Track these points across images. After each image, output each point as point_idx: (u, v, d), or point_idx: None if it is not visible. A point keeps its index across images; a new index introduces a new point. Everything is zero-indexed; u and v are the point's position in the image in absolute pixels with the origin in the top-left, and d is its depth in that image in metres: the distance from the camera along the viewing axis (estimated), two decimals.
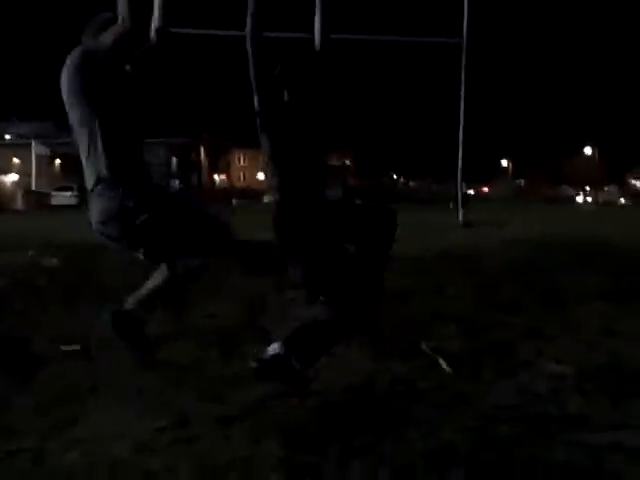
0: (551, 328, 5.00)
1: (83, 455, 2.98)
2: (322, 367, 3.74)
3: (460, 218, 14.29)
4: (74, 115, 3.28)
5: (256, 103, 3.41)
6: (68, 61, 3.26)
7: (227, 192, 57.68)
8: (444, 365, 4.21)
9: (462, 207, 14.46)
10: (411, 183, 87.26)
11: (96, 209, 3.30)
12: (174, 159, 72.06)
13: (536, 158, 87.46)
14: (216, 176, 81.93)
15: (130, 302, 3.62)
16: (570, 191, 72.24)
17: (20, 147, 59.88)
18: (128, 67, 3.41)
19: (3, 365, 4.11)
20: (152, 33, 3.49)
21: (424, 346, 4.55)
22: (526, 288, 6.33)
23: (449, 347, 4.57)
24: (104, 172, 3.22)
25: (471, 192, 55.45)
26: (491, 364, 4.23)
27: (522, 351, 4.48)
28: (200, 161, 78.20)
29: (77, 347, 4.49)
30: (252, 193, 56.30)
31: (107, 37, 3.25)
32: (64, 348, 4.45)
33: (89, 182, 3.31)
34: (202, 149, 78.05)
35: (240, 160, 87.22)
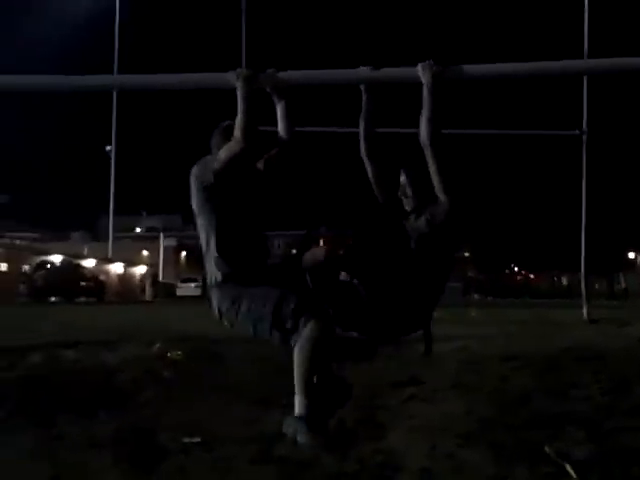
0: None
1: None
2: (443, 468, 3.64)
3: (585, 314, 13.78)
4: (197, 220, 3.53)
5: (379, 199, 3.50)
6: (191, 179, 3.52)
7: None
8: (571, 472, 4.01)
9: (589, 301, 13.95)
10: (531, 275, 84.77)
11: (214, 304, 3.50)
12: (293, 251, 73.40)
13: None
14: None
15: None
16: None
17: (149, 240, 62.88)
18: (260, 165, 3.61)
19: (129, 455, 4.23)
20: (278, 138, 3.68)
21: (549, 450, 4.35)
22: None
23: (576, 452, 4.36)
24: (217, 274, 3.42)
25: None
26: (622, 472, 3.99)
27: None
28: None
29: (198, 439, 4.57)
30: None
31: (222, 155, 3.45)
32: (186, 440, 4.54)
33: (208, 278, 3.53)
34: (321, 241, 79.33)
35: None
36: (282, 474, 3.98)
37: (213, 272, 3.44)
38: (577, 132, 13.54)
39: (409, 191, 3.42)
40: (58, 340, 9.01)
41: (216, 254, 3.42)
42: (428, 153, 3.45)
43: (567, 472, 4.01)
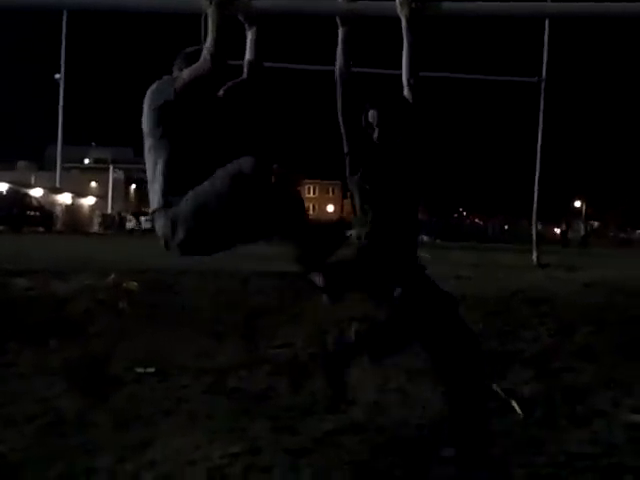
0: (628, 377, 4.85)
1: (157, 478, 3.03)
2: (392, 403, 3.72)
3: (535, 259, 14.05)
4: (146, 143, 3.37)
5: (345, 144, 3.42)
6: (146, 97, 3.35)
7: None
8: (516, 408, 4.14)
9: (539, 246, 14.21)
10: (477, 220, 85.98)
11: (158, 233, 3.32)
12: None
13: (611, 200, 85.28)
14: None
15: None
16: None
17: (98, 171, 61.73)
18: (221, 93, 3.48)
19: (80, 384, 4.21)
20: (245, 67, 3.56)
21: (496, 388, 4.48)
22: (602, 334, 6.17)
23: (522, 390, 4.50)
24: (160, 200, 3.27)
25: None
26: (565, 410, 4.14)
27: (597, 399, 4.37)
28: None
29: (152, 370, 4.58)
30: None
31: (185, 74, 3.31)
32: (139, 370, 4.54)
33: (151, 206, 3.39)
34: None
35: (310, 191, 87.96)
36: (235, 405, 4.02)
37: (158, 197, 3.28)
38: (536, 79, 13.57)
39: (375, 122, 3.33)
40: (7, 268, 8.86)
41: (162, 178, 3.26)
42: (407, 91, 3.41)
43: (513, 408, 4.14)
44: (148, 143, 3.35)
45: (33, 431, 3.56)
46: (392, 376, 4.58)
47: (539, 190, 14.01)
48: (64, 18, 31.83)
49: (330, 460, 3.24)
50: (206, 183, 3.16)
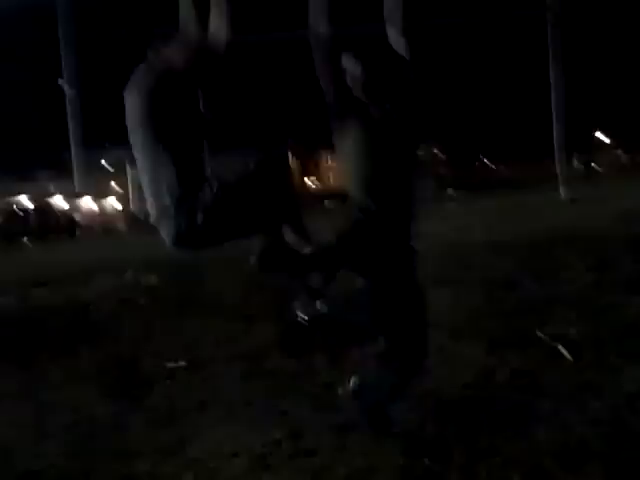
0: None
1: (198, 476, 2.90)
2: (434, 363, 3.55)
3: (563, 195, 13.74)
4: (137, 139, 3.09)
5: (328, 99, 3.16)
6: (135, 85, 3.06)
7: (319, 195, 57.91)
8: (565, 353, 3.95)
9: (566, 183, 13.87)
10: (503, 166, 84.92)
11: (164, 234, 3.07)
12: None
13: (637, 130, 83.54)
14: (307, 179, 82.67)
15: None
16: None
17: (116, 171, 61.99)
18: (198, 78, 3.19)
19: (113, 388, 4.11)
20: (218, 45, 3.26)
21: (541, 334, 4.28)
22: None
23: (568, 333, 4.30)
24: (167, 199, 3.01)
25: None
26: (616, 349, 3.94)
27: None
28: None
29: (183, 363, 4.46)
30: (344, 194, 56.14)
31: (177, 57, 3.04)
32: (170, 366, 4.43)
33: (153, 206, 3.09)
34: (290, 155, 79.11)
35: (327, 161, 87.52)
36: (273, 388, 3.89)
37: (168, 194, 3.01)
38: (542, 12, 13.09)
39: (361, 77, 3.04)
40: (31, 279, 8.83)
41: (172, 175, 3.01)
42: (392, 30, 3.15)
43: (561, 353, 3.95)
44: (140, 137, 3.08)
45: (70, 441, 3.46)
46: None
47: (558, 121, 13.61)
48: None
49: (378, 432, 3.07)
50: (231, 177, 2.96)
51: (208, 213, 2.90)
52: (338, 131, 3.14)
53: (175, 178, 2.97)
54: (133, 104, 3.05)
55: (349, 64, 3.05)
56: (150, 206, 3.07)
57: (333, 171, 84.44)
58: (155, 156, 3.01)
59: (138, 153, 3.10)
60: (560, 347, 4.02)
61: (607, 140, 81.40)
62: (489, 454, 2.77)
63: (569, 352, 3.94)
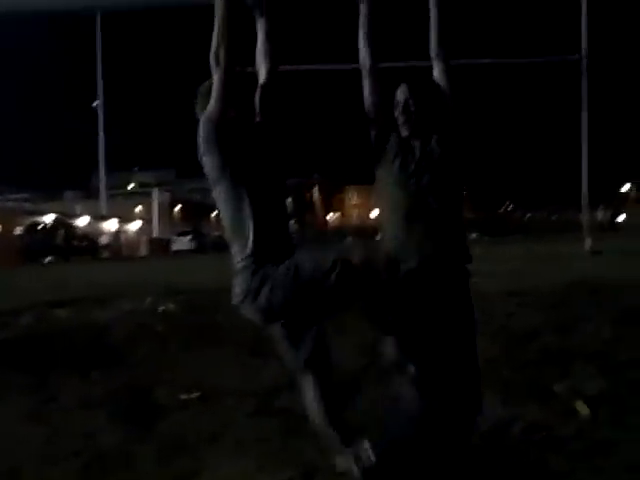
0: None
1: None
2: None
3: (587, 247, 13.62)
4: (220, 189, 3.02)
5: (373, 137, 3.17)
6: (200, 136, 3.01)
7: (341, 230, 57.80)
8: (582, 409, 3.87)
9: (591, 234, 13.76)
10: (528, 214, 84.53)
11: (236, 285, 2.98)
12: (289, 199, 73.29)
13: None
14: (330, 215, 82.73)
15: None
16: None
17: (143, 195, 62.42)
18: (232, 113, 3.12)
19: (124, 416, 4.09)
20: (261, 75, 3.28)
21: (559, 388, 4.21)
22: None
23: (587, 388, 4.22)
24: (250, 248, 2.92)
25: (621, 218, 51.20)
26: (635, 407, 3.86)
27: None
28: (314, 201, 79.38)
29: (196, 394, 4.43)
30: (367, 231, 56.05)
31: (212, 97, 3.01)
32: (183, 397, 4.40)
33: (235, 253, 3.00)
34: (316, 189, 79.18)
35: (353, 198, 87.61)
36: (284, 426, 3.84)
37: (248, 247, 2.88)
38: (577, 57, 12.91)
39: (411, 106, 3.05)
40: (50, 299, 8.89)
41: (250, 228, 2.88)
42: (438, 66, 3.16)
43: (578, 409, 3.88)
44: (218, 185, 2.98)
45: (77, 468, 3.44)
46: None
47: (589, 172, 13.50)
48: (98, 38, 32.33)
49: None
50: (306, 259, 2.87)
51: (275, 292, 2.80)
52: (379, 166, 3.13)
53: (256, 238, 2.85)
54: (205, 153, 2.96)
55: (403, 95, 3.07)
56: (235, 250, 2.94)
57: (358, 208, 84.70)
58: (237, 206, 2.90)
59: (219, 198, 2.99)
60: (578, 402, 3.95)
61: (634, 193, 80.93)
62: None
63: (586, 408, 3.86)
